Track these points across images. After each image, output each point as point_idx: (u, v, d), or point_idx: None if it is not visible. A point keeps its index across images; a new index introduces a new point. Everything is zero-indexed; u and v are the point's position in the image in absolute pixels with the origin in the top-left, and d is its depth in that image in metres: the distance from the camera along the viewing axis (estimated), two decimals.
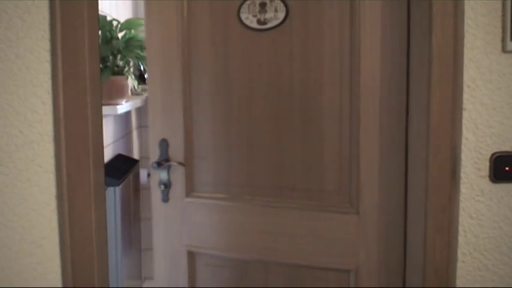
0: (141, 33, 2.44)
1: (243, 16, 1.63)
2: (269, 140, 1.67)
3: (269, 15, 1.60)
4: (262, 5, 1.61)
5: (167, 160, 1.75)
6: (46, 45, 1.38)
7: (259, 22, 1.61)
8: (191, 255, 1.81)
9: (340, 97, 1.59)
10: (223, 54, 1.69)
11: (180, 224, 1.80)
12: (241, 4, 1.63)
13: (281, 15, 1.59)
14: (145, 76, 2.40)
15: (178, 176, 1.77)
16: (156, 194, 1.79)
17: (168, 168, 1.75)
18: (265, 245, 1.71)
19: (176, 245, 1.82)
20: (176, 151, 1.75)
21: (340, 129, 1.60)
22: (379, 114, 1.55)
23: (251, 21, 1.62)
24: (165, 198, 1.79)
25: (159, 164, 1.74)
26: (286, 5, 1.59)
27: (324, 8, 1.59)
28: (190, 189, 1.78)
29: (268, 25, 1.61)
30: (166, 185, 1.77)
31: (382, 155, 1.56)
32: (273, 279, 1.72)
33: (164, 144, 1.76)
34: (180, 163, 1.75)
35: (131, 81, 2.46)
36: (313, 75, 1.61)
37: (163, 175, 1.76)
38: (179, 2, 1.72)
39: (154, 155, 1.76)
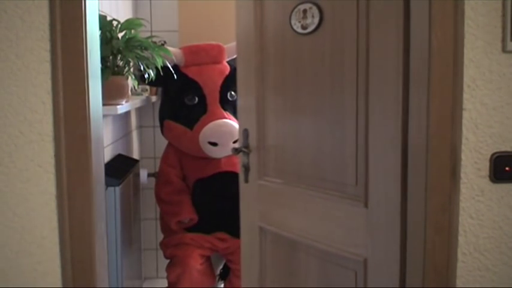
0: (141, 33, 2.44)
1: (292, 22, 1.80)
2: (310, 134, 1.82)
3: (308, 20, 1.75)
4: (304, 12, 1.76)
5: (247, 147, 2.04)
6: (46, 45, 1.38)
7: (302, 27, 1.77)
8: (261, 231, 2.02)
9: (357, 96, 1.63)
10: (281, 55, 1.90)
11: (255, 203, 2.04)
12: (292, 11, 1.80)
13: (316, 20, 1.73)
14: (145, 76, 2.39)
15: (254, 161, 2.02)
16: (241, 175, 2.09)
17: (248, 153, 2.03)
18: (307, 228, 1.83)
19: (252, 221, 2.06)
20: (253, 140, 2.02)
21: (356, 127, 1.65)
22: (383, 113, 1.56)
23: (297, 26, 1.78)
24: (246, 179, 2.06)
25: (236, 150, 2.06)
26: (320, 11, 1.72)
27: (345, 11, 1.65)
28: (262, 173, 2.00)
29: (308, 30, 1.75)
30: (247, 168, 2.04)
31: (384, 155, 1.57)
32: (311, 262, 1.85)
33: (245, 133, 2.04)
34: (246, 151, 2.04)
35: (131, 81, 2.46)
36: (338, 76, 1.69)
37: (244, 159, 2.05)
38: (255, 8, 1.95)
39: (241, 142, 2.11)
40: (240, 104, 2.09)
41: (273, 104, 1.95)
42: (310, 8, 1.74)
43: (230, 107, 2.87)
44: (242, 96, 2.07)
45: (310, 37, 1.77)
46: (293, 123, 1.88)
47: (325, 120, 1.76)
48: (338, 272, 1.75)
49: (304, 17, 1.76)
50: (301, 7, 1.76)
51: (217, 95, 2.83)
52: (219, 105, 2.82)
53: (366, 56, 1.58)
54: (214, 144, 2.73)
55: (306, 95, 1.82)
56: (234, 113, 2.87)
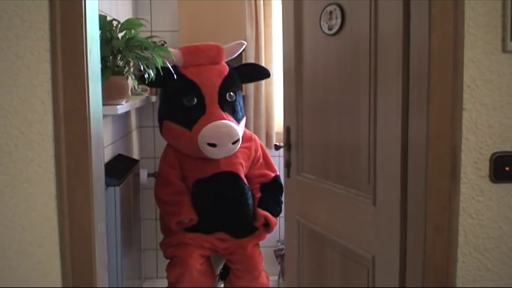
0: (141, 33, 2.43)
1: (322, 23, 1.87)
2: (334, 132, 1.88)
3: (333, 21, 1.81)
4: (330, 13, 1.82)
5: (288, 144, 2.11)
6: (46, 45, 1.38)
7: (328, 28, 1.84)
8: (299, 225, 2.11)
9: (369, 96, 1.66)
10: (314, 55, 1.98)
11: (294, 197, 2.14)
12: (321, 12, 1.86)
13: (339, 21, 1.79)
14: (145, 76, 2.39)
15: (294, 157, 2.11)
16: (284, 170, 2.20)
17: (289, 150, 2.11)
18: (332, 224, 1.89)
19: (292, 215, 2.16)
20: (293, 137, 2.11)
21: (369, 126, 1.67)
22: (386, 113, 1.58)
23: (325, 27, 1.86)
24: (288, 175, 2.16)
25: (276, 147, 2.19)
26: (342, 13, 1.78)
27: (360, 12, 1.68)
28: (300, 169, 2.09)
29: (333, 30, 1.82)
30: (288, 164, 2.13)
31: (387, 154, 1.58)
32: (335, 258, 1.90)
33: (288, 131, 2.14)
34: (282, 147, 2.16)
35: (131, 81, 2.46)
36: (355, 76, 1.74)
37: (286, 155, 2.14)
38: (295, 9, 2.05)
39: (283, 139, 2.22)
40: (284, 101, 2.21)
41: (308, 102, 2.03)
42: (335, 9, 1.79)
43: (229, 107, 2.86)
44: (286, 94, 2.17)
45: (335, 38, 1.82)
46: (322, 121, 1.95)
47: (345, 119, 1.81)
48: (355, 269, 1.79)
49: (330, 18, 1.81)
50: (328, 9, 1.82)
51: (216, 96, 2.82)
52: (217, 106, 2.81)
53: (374, 56, 1.61)
54: (213, 145, 2.72)
55: (332, 94, 1.88)
56: (233, 114, 2.86)
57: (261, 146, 3.09)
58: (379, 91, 1.61)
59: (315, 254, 2.02)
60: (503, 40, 1.37)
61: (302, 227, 2.08)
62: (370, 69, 1.64)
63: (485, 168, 1.41)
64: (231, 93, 2.87)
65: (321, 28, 1.86)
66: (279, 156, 3.47)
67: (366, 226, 1.70)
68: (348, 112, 1.79)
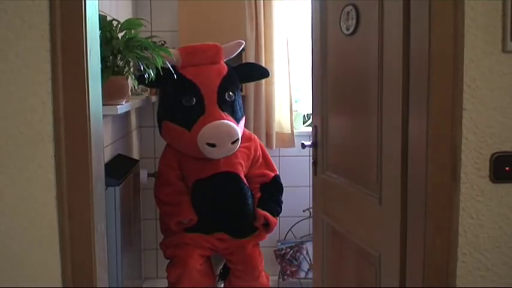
0: (141, 33, 2.43)
1: (341, 24, 1.91)
2: (351, 132, 1.92)
3: (350, 22, 1.84)
4: (347, 14, 1.85)
5: (315, 142, 2.17)
6: (46, 45, 1.38)
7: (346, 28, 1.88)
8: (323, 223, 2.15)
9: (377, 96, 1.67)
10: (335, 55, 2.03)
11: (320, 195, 2.19)
12: (341, 13, 1.90)
13: (354, 22, 1.82)
14: (145, 76, 2.39)
15: (320, 156, 2.17)
16: (312, 168, 2.25)
17: (316, 148, 2.18)
18: (349, 223, 1.93)
19: (318, 213, 2.21)
20: (319, 136, 2.17)
21: (377, 126, 1.69)
22: (389, 113, 1.58)
23: (344, 28, 1.90)
24: (315, 173, 2.22)
25: (302, 145, 2.24)
26: (357, 13, 1.80)
27: (371, 13, 1.70)
28: (326, 168, 2.14)
29: (350, 31, 1.85)
30: (315, 162, 2.19)
31: (390, 153, 1.58)
32: (350, 256, 1.93)
33: (315, 130, 2.20)
34: (308, 146, 2.23)
35: (131, 81, 2.46)
36: (367, 76, 1.75)
37: (313, 154, 2.21)
38: (321, 9, 2.11)
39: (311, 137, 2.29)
40: (312, 100, 2.26)
41: (331, 102, 2.07)
42: (351, 9, 1.82)
43: (228, 107, 2.85)
44: (315, 94, 2.21)
45: (352, 38, 1.85)
46: (342, 121, 1.99)
47: (359, 119, 1.84)
48: (366, 267, 1.81)
49: (347, 18, 1.84)
50: (346, 9, 1.85)
51: (215, 96, 2.82)
52: (217, 106, 2.81)
53: (381, 57, 1.62)
54: (212, 145, 2.71)
55: (350, 95, 1.90)
56: (232, 114, 2.85)
57: (261, 146, 3.09)
58: (385, 92, 1.62)
59: (336, 252, 2.04)
60: (503, 40, 1.37)
61: (326, 225, 2.10)
62: (378, 69, 1.65)
63: (485, 168, 1.41)
64: (230, 93, 2.86)
65: (340, 29, 1.89)
66: (278, 156, 3.47)
67: (374, 225, 1.71)
68: (361, 112, 1.81)
